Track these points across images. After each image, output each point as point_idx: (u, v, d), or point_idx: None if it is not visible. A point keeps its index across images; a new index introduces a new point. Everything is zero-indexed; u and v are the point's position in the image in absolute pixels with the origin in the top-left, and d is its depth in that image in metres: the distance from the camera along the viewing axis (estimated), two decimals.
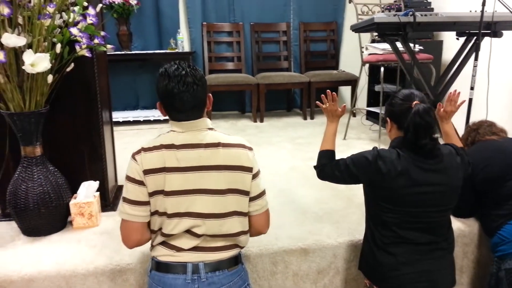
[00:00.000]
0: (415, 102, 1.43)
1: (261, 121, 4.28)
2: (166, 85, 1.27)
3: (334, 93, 1.68)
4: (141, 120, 4.15)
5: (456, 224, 1.87)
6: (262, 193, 1.42)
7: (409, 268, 1.44)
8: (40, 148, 1.75)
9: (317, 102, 1.77)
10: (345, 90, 4.94)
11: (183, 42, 4.34)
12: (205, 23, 4.53)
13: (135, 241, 1.35)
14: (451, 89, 2.63)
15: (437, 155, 1.43)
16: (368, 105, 4.32)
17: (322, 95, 1.70)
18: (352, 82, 4.34)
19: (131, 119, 4.13)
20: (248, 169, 1.34)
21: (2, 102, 1.67)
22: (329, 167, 1.59)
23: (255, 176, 1.38)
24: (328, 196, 2.21)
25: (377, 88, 3.76)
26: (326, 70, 4.58)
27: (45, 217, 1.74)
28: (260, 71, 4.57)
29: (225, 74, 4.36)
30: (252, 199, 1.39)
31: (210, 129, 1.36)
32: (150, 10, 4.39)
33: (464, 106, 2.27)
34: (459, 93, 1.71)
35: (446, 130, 1.73)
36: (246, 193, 1.35)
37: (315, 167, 1.66)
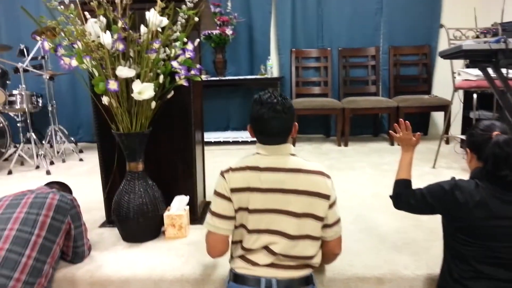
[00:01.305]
0: (496, 132, 1.40)
1: (346, 145, 4.28)
2: (258, 111, 1.41)
3: (407, 121, 1.68)
4: (231, 141, 4.41)
5: None
6: (338, 220, 1.49)
7: None
8: (142, 164, 2.01)
9: (390, 131, 1.78)
10: (438, 116, 4.74)
11: (272, 68, 4.56)
12: (294, 49, 4.70)
13: (221, 252, 1.50)
14: None
15: None
16: (462, 133, 4.08)
17: (395, 124, 1.71)
18: (445, 107, 4.15)
19: (222, 140, 4.41)
20: (326, 197, 1.41)
21: (113, 123, 1.95)
22: (405, 196, 1.59)
23: (332, 204, 1.44)
24: (409, 225, 2.16)
25: (472, 114, 3.55)
26: (417, 95, 4.45)
27: (142, 226, 1.98)
28: (347, 96, 4.59)
29: (311, 98, 4.46)
30: (329, 226, 1.46)
31: (293, 154, 1.46)
32: (244, 38, 4.71)
33: None
34: None
35: None
36: (320, 219, 1.42)
37: (390, 196, 1.67)
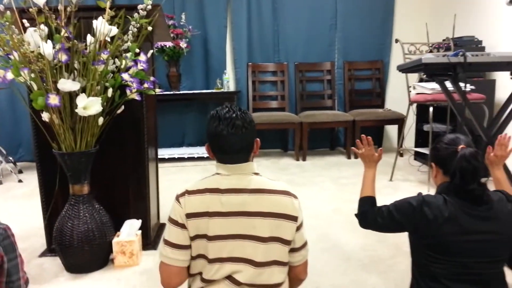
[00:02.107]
0: (461, 146, 1.37)
1: (304, 159, 4.24)
2: (216, 127, 1.29)
3: (369, 137, 1.63)
4: (186, 157, 4.24)
5: None
6: (305, 243, 1.39)
7: None
8: (88, 187, 1.82)
9: (352, 148, 1.72)
10: (391, 129, 4.83)
11: (228, 82, 4.47)
12: (250, 63, 4.64)
13: (176, 284, 1.34)
14: (507, 131, 2.49)
15: (486, 201, 1.34)
16: (416, 145, 4.17)
17: (357, 140, 1.66)
18: (399, 121, 4.23)
19: (176, 156, 4.24)
20: (293, 218, 1.30)
21: (55, 142, 1.76)
22: (371, 214, 1.52)
23: (300, 226, 1.34)
24: (374, 242, 2.11)
25: (426, 127, 3.62)
26: (372, 109, 4.52)
27: (88, 255, 1.78)
28: (304, 110, 4.57)
29: (269, 113, 4.40)
30: (296, 250, 1.35)
31: (256, 173, 1.34)
32: (199, 52, 4.59)
33: None
34: (510, 137, 1.61)
35: (497, 176, 1.62)
36: (288, 242, 1.31)
37: (356, 215, 1.60)
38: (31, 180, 3.59)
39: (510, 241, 1.38)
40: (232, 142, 1.28)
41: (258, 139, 1.37)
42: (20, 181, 3.67)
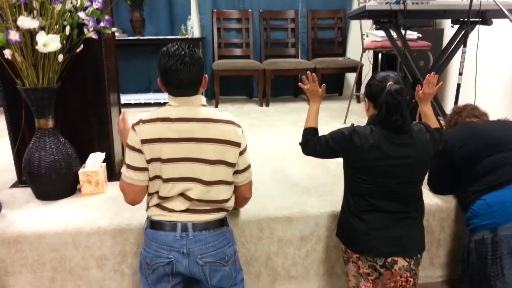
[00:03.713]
0: (389, 83, 1.56)
1: (267, 105, 4.41)
2: (166, 63, 1.43)
3: (314, 74, 1.81)
4: (152, 102, 4.34)
5: (434, 200, 1.99)
6: (248, 166, 1.59)
7: (379, 233, 1.57)
8: (52, 121, 1.94)
9: (299, 84, 1.91)
10: (352, 77, 5.03)
11: (193, 28, 4.49)
12: (215, 10, 4.66)
13: (140, 201, 1.56)
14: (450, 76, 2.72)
15: (407, 131, 1.56)
16: None
17: (303, 76, 1.84)
18: (357, 68, 4.42)
19: (143, 101, 4.33)
20: (236, 144, 1.49)
21: (18, 79, 1.85)
22: (312, 143, 1.74)
23: (243, 151, 1.53)
24: (319, 172, 2.35)
25: None
26: (333, 57, 4.68)
27: (56, 183, 1.94)
28: (268, 58, 4.69)
29: (233, 60, 4.50)
30: (240, 171, 1.56)
31: (204, 105, 1.51)
32: None
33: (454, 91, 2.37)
34: (436, 76, 1.82)
35: (424, 111, 1.85)
36: (232, 165, 1.51)
37: (300, 143, 1.81)
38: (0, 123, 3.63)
39: (424, 165, 1.63)
40: (181, 77, 1.43)
41: (206, 75, 1.53)
42: None
